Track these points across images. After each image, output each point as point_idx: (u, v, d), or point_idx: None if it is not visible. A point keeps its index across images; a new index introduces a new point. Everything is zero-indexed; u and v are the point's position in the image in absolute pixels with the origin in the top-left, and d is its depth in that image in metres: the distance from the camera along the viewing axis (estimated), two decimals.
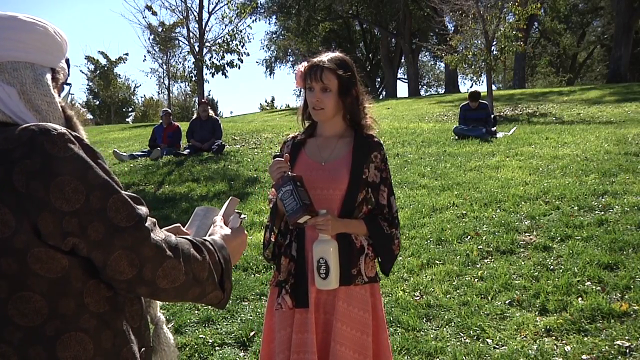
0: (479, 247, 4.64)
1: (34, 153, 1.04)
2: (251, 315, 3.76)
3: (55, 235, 1.04)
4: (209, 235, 1.33)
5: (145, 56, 43.75)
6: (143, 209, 1.12)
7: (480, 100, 10.50)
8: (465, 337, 3.32)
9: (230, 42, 15.39)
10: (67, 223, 1.03)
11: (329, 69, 2.02)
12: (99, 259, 1.06)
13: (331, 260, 1.98)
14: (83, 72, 37.94)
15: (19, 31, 1.19)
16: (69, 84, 1.33)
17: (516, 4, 14.33)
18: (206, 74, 15.71)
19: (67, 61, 1.32)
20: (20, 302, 1.04)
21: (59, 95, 1.26)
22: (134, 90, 41.38)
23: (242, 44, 15.40)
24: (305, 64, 2.11)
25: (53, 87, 1.23)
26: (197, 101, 19.18)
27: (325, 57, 2.07)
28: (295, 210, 1.91)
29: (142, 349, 1.23)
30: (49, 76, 1.22)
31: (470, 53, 15.03)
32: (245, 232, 1.42)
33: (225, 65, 15.40)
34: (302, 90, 2.15)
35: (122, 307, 1.17)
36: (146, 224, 1.10)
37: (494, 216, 5.35)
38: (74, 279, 1.07)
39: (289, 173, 1.98)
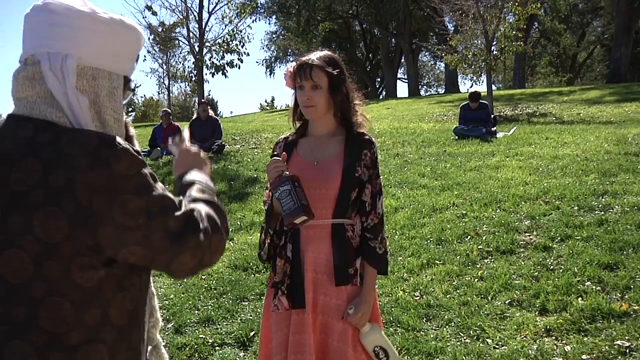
0: (479, 247, 4.64)
1: (99, 166, 1.04)
2: (251, 315, 3.76)
3: (115, 245, 1.06)
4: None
5: (145, 56, 43.71)
6: (197, 216, 1.18)
7: (480, 100, 10.50)
8: (465, 337, 3.32)
9: (230, 42, 15.42)
10: (129, 235, 1.06)
11: (318, 66, 2.01)
12: (165, 261, 1.12)
13: (385, 343, 2.04)
14: None
15: (117, 40, 1.18)
16: (133, 90, 1.33)
17: (516, 4, 14.32)
18: (206, 74, 15.77)
19: (138, 56, 1.30)
20: (52, 307, 1.05)
21: (125, 98, 1.27)
22: (134, 90, 41.35)
23: (242, 44, 15.44)
24: (293, 64, 2.10)
25: (126, 93, 1.24)
26: (197, 101, 19.19)
27: (314, 55, 2.06)
28: (293, 211, 1.90)
29: None
30: (122, 84, 1.22)
31: (470, 53, 15.03)
32: (188, 146, 1.44)
33: (225, 65, 15.43)
34: (293, 90, 2.14)
35: (139, 321, 1.18)
36: (200, 229, 1.15)
37: (494, 216, 5.35)
38: (105, 290, 1.09)
39: (287, 173, 1.97)
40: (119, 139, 1.09)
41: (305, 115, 2.10)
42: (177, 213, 1.12)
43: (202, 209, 1.21)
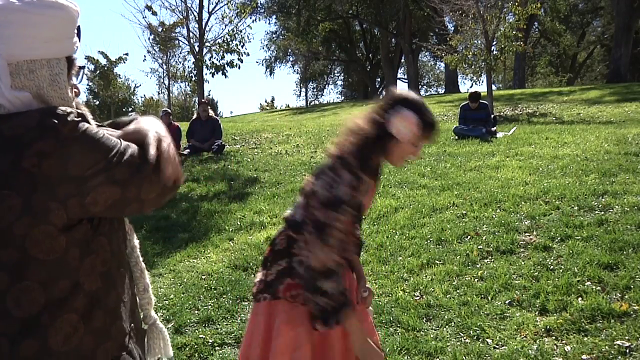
0: (479, 247, 4.64)
1: (46, 134, 1.04)
2: None
3: (79, 195, 1.05)
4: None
5: (145, 56, 43.88)
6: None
7: (480, 100, 10.49)
8: (465, 337, 3.32)
9: (230, 42, 15.38)
10: (91, 181, 1.06)
11: None
12: (134, 193, 1.13)
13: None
14: None
15: (43, 24, 1.09)
16: (83, 67, 1.27)
17: (516, 4, 14.33)
18: (206, 74, 15.71)
19: (78, 28, 1.22)
20: (19, 294, 1.05)
21: (77, 79, 1.23)
22: (134, 90, 41.42)
23: (242, 44, 15.39)
24: (417, 119, 1.88)
25: (72, 74, 1.20)
26: (197, 101, 19.19)
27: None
28: None
29: (132, 325, 1.24)
30: (64, 67, 1.16)
31: (470, 53, 15.02)
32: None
33: (225, 65, 15.39)
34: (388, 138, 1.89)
35: (114, 282, 1.18)
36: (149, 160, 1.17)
37: (494, 216, 5.35)
38: (71, 259, 1.08)
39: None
40: (60, 107, 1.09)
41: (397, 165, 2.00)
42: (132, 148, 1.15)
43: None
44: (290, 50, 38.47)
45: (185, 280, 4.53)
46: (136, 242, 1.35)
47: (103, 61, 36.80)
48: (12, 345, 1.04)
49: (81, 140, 1.07)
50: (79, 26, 1.21)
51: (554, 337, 3.22)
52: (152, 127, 1.25)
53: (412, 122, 1.87)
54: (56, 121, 1.05)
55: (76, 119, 1.09)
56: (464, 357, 3.08)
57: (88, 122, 1.13)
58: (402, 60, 36.97)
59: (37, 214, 1.03)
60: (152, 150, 1.18)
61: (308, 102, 42.96)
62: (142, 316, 1.35)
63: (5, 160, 1.02)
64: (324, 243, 1.77)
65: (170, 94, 36.50)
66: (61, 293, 1.08)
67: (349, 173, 1.82)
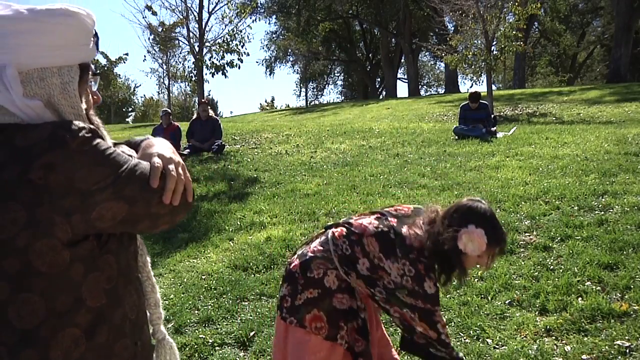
0: None
1: (55, 146, 1.03)
2: (251, 315, 3.77)
3: (84, 208, 1.04)
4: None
5: (145, 56, 43.88)
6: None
7: (480, 100, 10.49)
8: (465, 337, 3.32)
9: (230, 42, 15.40)
10: (98, 195, 1.05)
11: None
12: (142, 210, 1.11)
13: None
14: None
15: (52, 32, 1.09)
16: (98, 74, 1.27)
17: (516, 4, 14.33)
18: (206, 74, 15.75)
19: (96, 34, 1.20)
20: (20, 305, 1.04)
21: (93, 83, 1.23)
22: (134, 90, 41.48)
23: (242, 44, 15.42)
24: (486, 238, 2.00)
25: (85, 81, 1.18)
26: (197, 101, 19.19)
27: None
28: None
29: (138, 342, 1.22)
30: (76, 74, 1.16)
31: (470, 53, 15.02)
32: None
33: (225, 65, 15.41)
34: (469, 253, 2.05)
35: (120, 299, 1.17)
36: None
37: None
38: (74, 274, 1.07)
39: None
40: (74, 121, 1.09)
41: (461, 272, 2.13)
42: (142, 165, 1.13)
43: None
44: (290, 50, 38.48)
45: (185, 280, 4.53)
46: (148, 258, 1.33)
47: (103, 61, 36.85)
48: (10, 354, 1.04)
49: (89, 155, 1.06)
50: (96, 33, 1.19)
51: (554, 337, 3.22)
52: (159, 149, 1.21)
53: (481, 241, 1.96)
54: (67, 135, 1.05)
55: (87, 134, 1.08)
56: (464, 358, 3.07)
57: (101, 138, 1.11)
58: (402, 60, 36.98)
59: (41, 227, 1.02)
60: (154, 182, 1.15)
61: (308, 102, 42.99)
62: (151, 331, 1.34)
63: (13, 170, 1.02)
64: (431, 324, 2.05)
65: (170, 94, 36.47)
66: (63, 307, 1.07)
67: (432, 277, 2.02)
